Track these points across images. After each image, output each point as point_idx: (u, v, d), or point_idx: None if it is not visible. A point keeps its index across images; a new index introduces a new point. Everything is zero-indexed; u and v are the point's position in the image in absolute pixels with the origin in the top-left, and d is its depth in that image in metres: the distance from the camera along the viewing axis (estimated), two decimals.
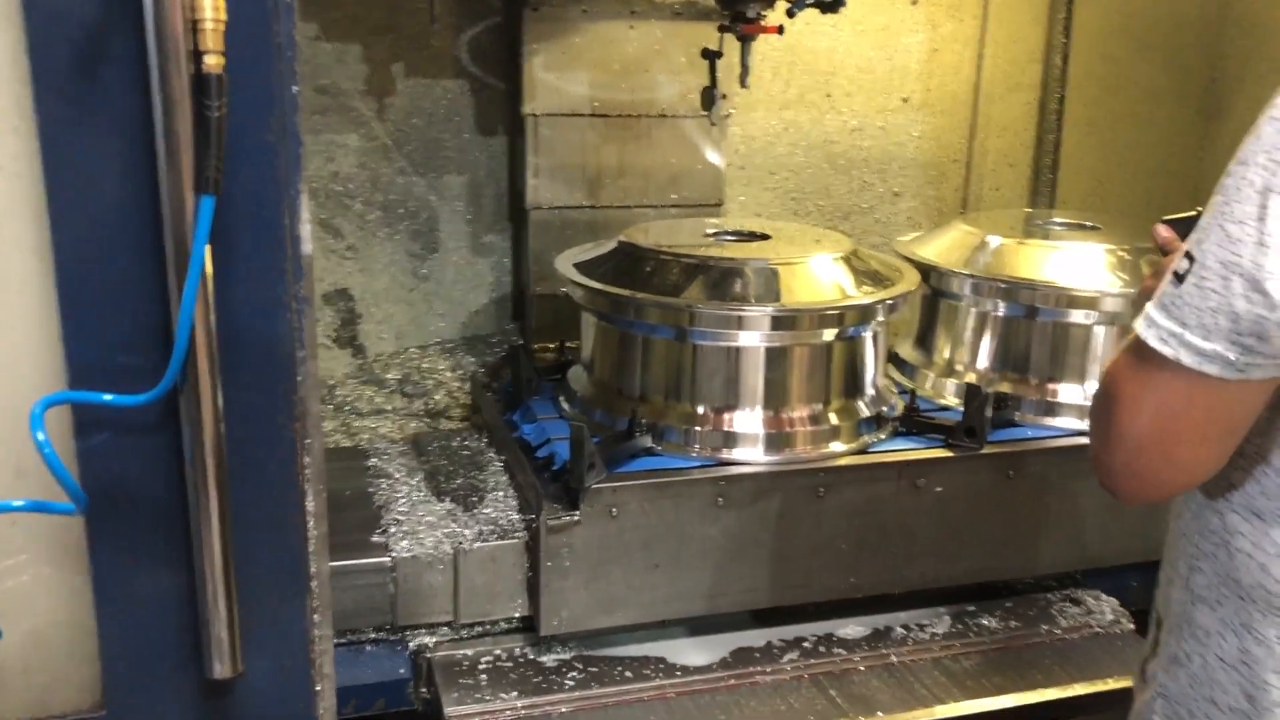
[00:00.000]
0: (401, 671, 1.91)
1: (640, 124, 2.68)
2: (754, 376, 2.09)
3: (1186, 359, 1.04)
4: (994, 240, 2.45)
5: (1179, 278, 1.06)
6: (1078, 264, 2.34)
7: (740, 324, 2.04)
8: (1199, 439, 1.09)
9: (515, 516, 2.01)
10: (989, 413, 2.14)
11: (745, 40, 2.15)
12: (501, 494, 2.09)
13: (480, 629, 2.00)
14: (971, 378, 2.39)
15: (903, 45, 3.00)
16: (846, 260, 2.22)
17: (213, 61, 0.99)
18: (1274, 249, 0.99)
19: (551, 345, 2.72)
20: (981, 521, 2.17)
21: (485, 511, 2.02)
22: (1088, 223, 2.62)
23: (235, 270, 1.07)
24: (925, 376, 2.51)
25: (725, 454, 2.06)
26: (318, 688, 1.21)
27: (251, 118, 1.08)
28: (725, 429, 2.08)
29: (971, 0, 3.01)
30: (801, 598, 2.08)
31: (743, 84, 2.21)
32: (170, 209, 1.00)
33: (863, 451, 2.12)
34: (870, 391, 2.22)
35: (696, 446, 2.07)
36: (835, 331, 2.10)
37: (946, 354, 2.50)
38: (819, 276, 2.16)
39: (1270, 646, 1.13)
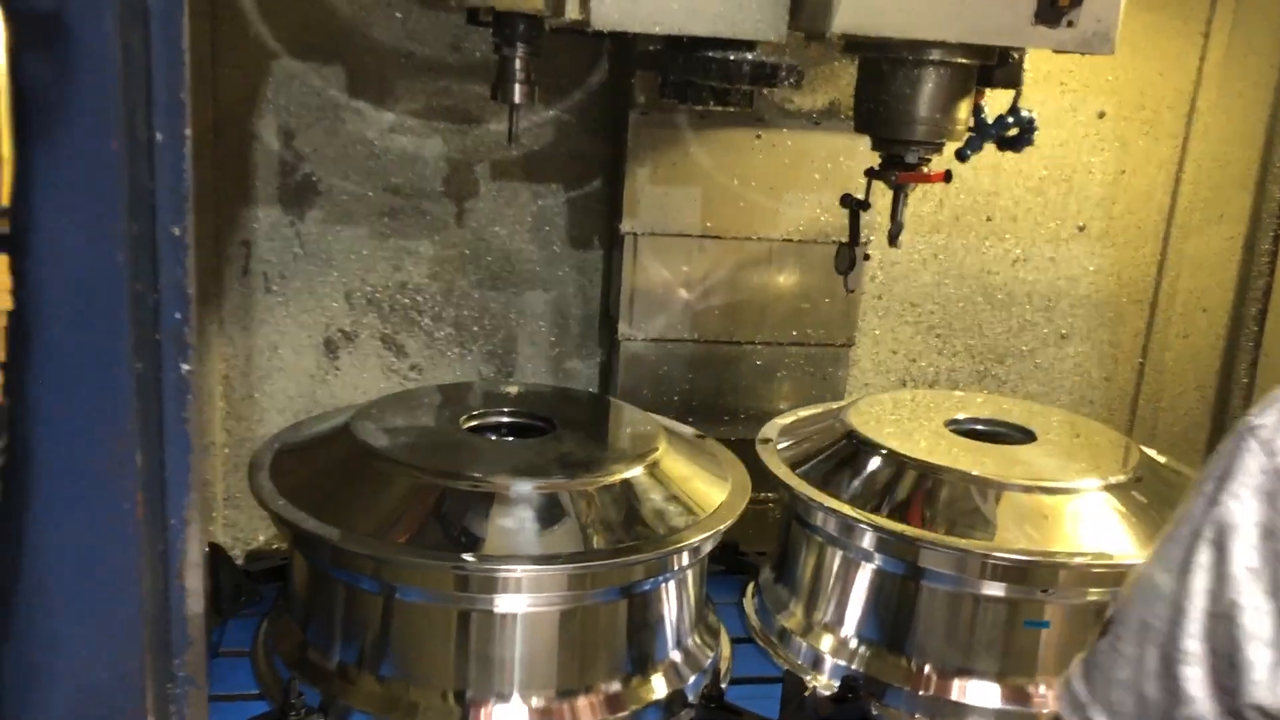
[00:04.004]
0: None
1: (759, 248, 2.26)
2: (482, 648, 1.49)
3: None
4: (879, 454, 1.78)
5: (1104, 626, 0.81)
6: (992, 505, 1.66)
7: (455, 583, 1.46)
8: None
9: None
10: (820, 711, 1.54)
11: (901, 190, 1.69)
12: None
13: None
14: (827, 644, 1.76)
15: (1083, 164, 2.50)
16: (650, 471, 1.64)
17: None
18: (1193, 619, 0.72)
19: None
20: None
21: None
22: (1027, 426, 1.95)
23: (41, 662, 0.69)
24: (780, 627, 1.86)
25: None
26: None
27: (77, 437, 0.69)
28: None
29: (1172, 117, 2.50)
30: None
31: (893, 242, 1.75)
32: None
33: None
34: (673, 657, 1.64)
35: None
36: (594, 593, 1.52)
37: (804, 604, 1.84)
38: (606, 503, 1.56)
39: None
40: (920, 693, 1.66)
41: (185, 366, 0.69)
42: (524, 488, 1.53)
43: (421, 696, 1.50)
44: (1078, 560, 1.59)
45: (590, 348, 2.41)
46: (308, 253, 2.23)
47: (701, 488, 1.72)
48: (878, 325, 2.53)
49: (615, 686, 1.57)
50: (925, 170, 1.64)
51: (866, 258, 1.92)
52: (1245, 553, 0.71)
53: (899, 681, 1.68)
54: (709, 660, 1.71)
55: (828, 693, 1.66)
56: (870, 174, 1.74)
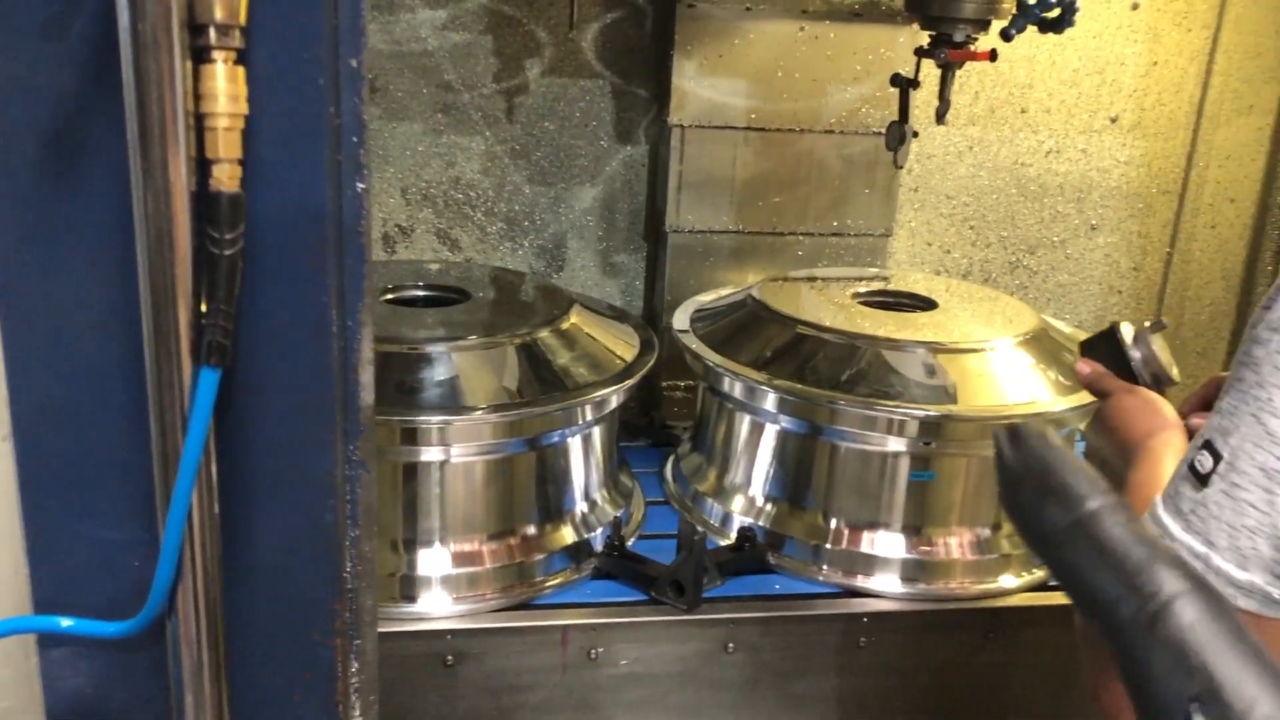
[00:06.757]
0: None
1: (803, 140, 2.33)
2: (407, 498, 1.60)
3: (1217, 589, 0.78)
4: (785, 323, 1.87)
5: (1200, 478, 0.80)
6: (889, 365, 1.75)
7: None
8: None
9: None
10: (706, 564, 1.64)
11: (949, 69, 1.76)
12: None
13: None
14: (737, 504, 1.86)
15: (1116, 56, 2.55)
16: (561, 336, 1.75)
17: (225, 175, 0.69)
18: None
19: (682, 384, 2.41)
20: (681, 714, 1.64)
21: None
22: (929, 296, 2.04)
23: (255, 433, 0.78)
24: (695, 491, 1.96)
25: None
26: None
27: (285, 241, 0.77)
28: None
29: (1204, 7, 2.54)
30: None
31: (940, 120, 1.83)
32: (156, 385, 0.72)
33: (522, 606, 1.63)
34: (581, 509, 1.75)
35: None
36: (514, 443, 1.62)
37: (717, 469, 1.94)
38: (513, 362, 1.66)
39: None
40: (818, 544, 1.76)
41: (360, 185, 0.78)
42: (437, 348, 1.63)
43: None
44: (957, 413, 1.70)
45: (637, 242, 2.49)
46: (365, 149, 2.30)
47: (608, 351, 1.83)
48: (914, 218, 2.61)
49: (530, 531, 1.69)
50: (972, 49, 1.71)
51: (915, 135, 1.99)
52: None
53: (798, 534, 1.78)
54: (617, 515, 1.81)
55: (726, 544, 1.79)
56: (920, 53, 1.81)
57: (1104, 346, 1.30)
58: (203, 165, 0.70)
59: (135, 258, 0.71)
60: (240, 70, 0.70)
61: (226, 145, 0.70)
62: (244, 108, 0.70)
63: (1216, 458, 0.80)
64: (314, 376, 0.78)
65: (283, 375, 0.78)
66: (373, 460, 0.84)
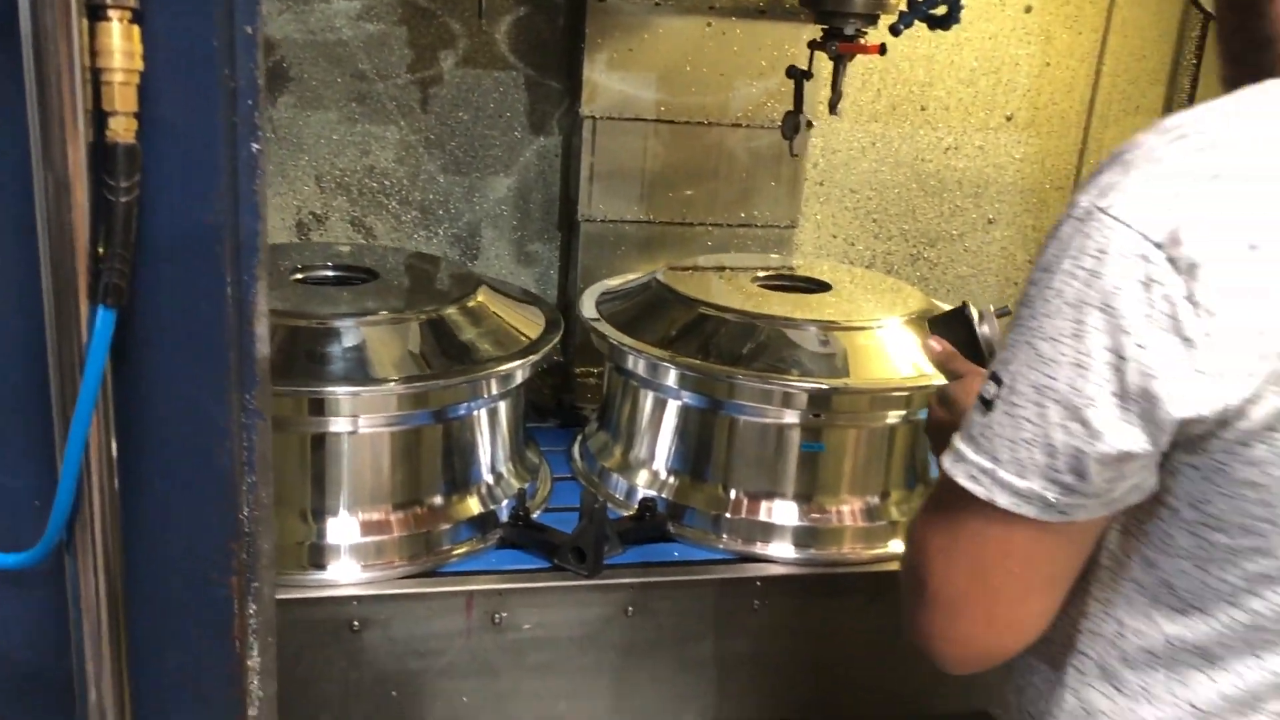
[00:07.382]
0: None
1: (711, 133, 2.40)
2: (317, 468, 1.64)
3: (1002, 500, 0.89)
4: (687, 304, 1.95)
5: (986, 404, 0.91)
6: (785, 342, 1.83)
7: (293, 408, 1.59)
8: (1022, 592, 0.94)
9: None
10: (608, 532, 1.70)
11: (840, 61, 1.84)
12: None
13: None
14: (641, 479, 1.92)
15: (1011, 57, 2.67)
16: (468, 313, 1.81)
17: (121, 127, 0.74)
18: (1094, 371, 0.83)
19: (595, 370, 2.46)
20: (581, 676, 1.71)
21: None
22: (825, 280, 2.15)
23: (151, 378, 0.83)
24: (601, 467, 2.00)
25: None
26: None
27: (182, 193, 0.82)
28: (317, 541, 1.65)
29: (1093, 11, 2.67)
30: None
31: (833, 110, 1.91)
32: (54, 325, 0.76)
33: (428, 574, 1.66)
34: (487, 480, 1.80)
35: None
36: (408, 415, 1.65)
37: (622, 445, 1.99)
38: (420, 337, 1.72)
39: None
40: (718, 514, 1.83)
41: (255, 146, 0.82)
42: (345, 323, 1.67)
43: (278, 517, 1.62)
44: (844, 386, 1.78)
45: (551, 231, 2.54)
46: (279, 137, 2.33)
47: (514, 329, 1.88)
48: (819, 210, 2.70)
49: (436, 502, 1.73)
50: (862, 42, 1.79)
51: (810, 125, 2.07)
52: (1133, 305, 0.82)
53: (699, 504, 1.85)
54: (522, 488, 1.86)
55: (629, 514, 1.86)
56: (813, 45, 1.89)
57: (952, 325, 1.39)
58: (100, 118, 0.74)
59: (34, 206, 0.75)
60: (135, 29, 0.74)
61: (122, 99, 0.74)
62: (139, 64, 0.75)
63: (999, 384, 0.89)
64: (209, 326, 0.82)
65: (179, 324, 0.82)
66: (268, 410, 0.88)
